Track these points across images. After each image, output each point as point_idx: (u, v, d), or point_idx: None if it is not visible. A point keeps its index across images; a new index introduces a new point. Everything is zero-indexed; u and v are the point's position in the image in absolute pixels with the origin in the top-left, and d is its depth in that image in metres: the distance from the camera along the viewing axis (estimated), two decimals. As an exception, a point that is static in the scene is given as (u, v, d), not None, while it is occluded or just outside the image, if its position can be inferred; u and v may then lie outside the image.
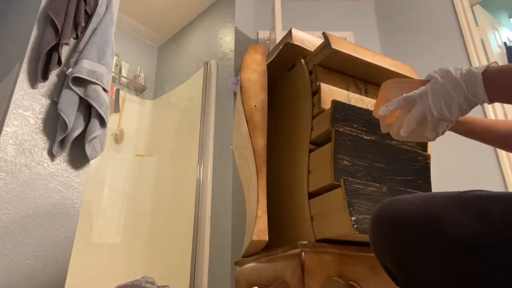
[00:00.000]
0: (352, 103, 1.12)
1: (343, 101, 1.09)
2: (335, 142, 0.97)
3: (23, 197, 1.24)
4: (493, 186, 1.98)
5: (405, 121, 0.66)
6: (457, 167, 2.13)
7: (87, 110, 1.38)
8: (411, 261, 0.51)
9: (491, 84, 0.57)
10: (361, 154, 1.01)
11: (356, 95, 1.15)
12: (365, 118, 1.05)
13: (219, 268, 2.01)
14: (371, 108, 1.13)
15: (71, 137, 1.32)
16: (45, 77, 1.35)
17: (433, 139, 0.68)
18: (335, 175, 0.94)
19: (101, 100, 1.36)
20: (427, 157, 1.12)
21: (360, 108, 1.06)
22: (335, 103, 1.02)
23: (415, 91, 0.65)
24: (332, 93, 1.09)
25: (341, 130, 0.99)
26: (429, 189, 1.09)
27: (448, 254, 0.46)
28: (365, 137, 1.03)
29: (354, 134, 1.02)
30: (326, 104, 1.06)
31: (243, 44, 2.58)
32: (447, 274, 0.46)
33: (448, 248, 0.46)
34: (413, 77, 1.25)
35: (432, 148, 1.20)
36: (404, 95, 0.66)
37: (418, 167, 1.09)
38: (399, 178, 1.04)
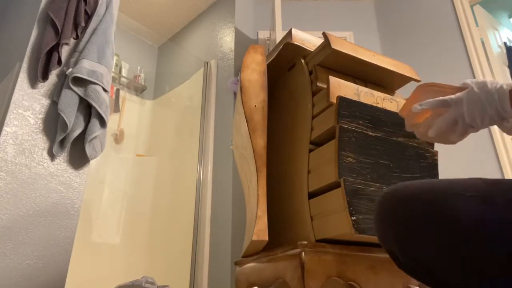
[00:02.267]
0: (362, 97, 1.10)
1: (353, 94, 1.08)
2: (339, 139, 0.96)
3: (23, 197, 1.23)
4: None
5: (436, 123, 0.70)
6: (457, 167, 2.13)
7: (87, 110, 1.38)
8: (413, 236, 0.52)
9: None
10: (366, 151, 1.00)
11: (366, 89, 1.13)
12: (371, 114, 1.04)
13: (219, 268, 2.01)
14: (381, 102, 1.12)
15: (71, 137, 1.32)
16: (45, 77, 1.35)
17: (455, 143, 0.72)
18: (339, 172, 0.93)
19: (101, 100, 1.36)
20: (435, 154, 1.11)
21: (366, 104, 1.05)
22: (341, 99, 1.01)
23: (451, 96, 0.68)
24: (341, 87, 1.08)
25: (345, 126, 0.99)
26: None
27: (449, 235, 0.47)
28: (370, 133, 1.02)
29: (359, 130, 1.01)
30: (335, 98, 1.04)
31: (243, 44, 2.58)
32: (447, 253, 0.47)
33: (449, 228, 0.47)
34: (413, 76, 1.25)
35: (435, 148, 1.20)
36: (440, 97, 0.69)
37: (426, 164, 1.08)
38: (406, 175, 1.04)
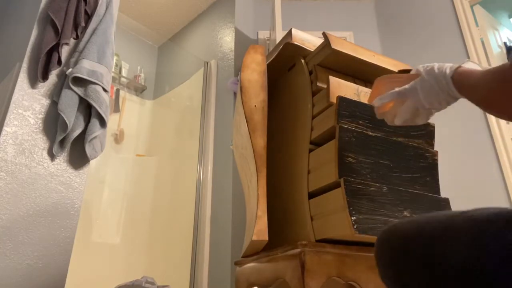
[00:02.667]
0: (362, 97, 1.10)
1: (353, 94, 1.08)
2: (339, 139, 0.96)
3: (23, 197, 1.23)
4: (494, 185, 1.98)
5: (399, 113, 0.75)
6: (458, 167, 2.13)
7: (87, 110, 1.38)
8: (405, 279, 0.52)
9: (458, 87, 0.64)
10: (366, 151, 1.00)
11: (366, 89, 1.13)
12: (371, 114, 1.04)
13: (219, 268, 2.01)
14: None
15: (71, 137, 1.32)
16: (45, 77, 1.35)
17: (424, 123, 0.77)
18: (339, 172, 0.93)
19: (101, 100, 1.36)
20: (435, 154, 1.11)
21: (366, 104, 1.05)
22: (341, 99, 1.01)
23: (406, 86, 0.73)
24: (341, 87, 1.08)
25: (345, 126, 0.99)
26: (437, 186, 1.08)
27: (443, 282, 0.45)
28: (370, 133, 1.02)
29: (359, 130, 1.01)
30: (335, 98, 1.05)
31: (243, 44, 2.58)
32: None
33: (443, 275, 0.45)
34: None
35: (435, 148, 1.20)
36: (397, 89, 0.74)
37: (426, 164, 1.08)
38: (406, 175, 1.03)
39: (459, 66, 0.65)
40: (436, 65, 0.69)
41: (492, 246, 0.42)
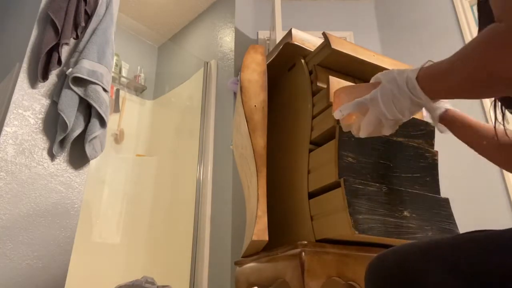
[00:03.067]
0: None
1: None
2: (339, 139, 0.96)
3: (23, 197, 1.23)
4: (494, 185, 1.98)
5: (362, 125, 0.70)
6: (458, 167, 2.13)
7: (87, 110, 1.38)
8: None
9: (426, 86, 0.59)
10: (366, 151, 1.00)
11: None
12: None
13: (219, 268, 2.01)
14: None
15: (71, 137, 1.32)
16: (45, 77, 1.35)
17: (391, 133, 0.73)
18: (339, 172, 0.93)
19: (101, 100, 1.36)
20: (435, 154, 1.11)
21: None
22: None
23: (366, 96, 0.68)
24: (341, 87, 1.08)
25: (345, 126, 0.99)
26: (437, 186, 1.08)
27: None
28: (371, 133, 1.02)
29: (359, 130, 1.01)
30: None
31: (243, 44, 2.58)
32: None
33: None
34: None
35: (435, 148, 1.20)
36: (356, 100, 0.69)
37: (426, 164, 1.08)
38: (406, 175, 1.03)
39: (421, 67, 0.61)
40: (395, 71, 0.65)
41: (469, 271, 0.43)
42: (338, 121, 0.99)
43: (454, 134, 0.84)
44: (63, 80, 1.38)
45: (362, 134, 0.71)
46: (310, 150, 1.07)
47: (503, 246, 0.43)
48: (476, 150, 0.81)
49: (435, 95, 0.60)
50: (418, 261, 0.50)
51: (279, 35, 2.10)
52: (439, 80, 0.58)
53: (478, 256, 0.44)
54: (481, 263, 0.43)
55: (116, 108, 2.87)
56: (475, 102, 2.14)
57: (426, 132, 1.13)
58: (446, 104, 0.84)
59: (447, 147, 2.17)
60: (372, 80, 0.72)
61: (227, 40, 2.62)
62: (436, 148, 1.14)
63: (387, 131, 0.69)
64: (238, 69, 2.42)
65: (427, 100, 0.60)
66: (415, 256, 0.51)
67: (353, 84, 0.73)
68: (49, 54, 1.35)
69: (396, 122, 0.67)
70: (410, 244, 0.55)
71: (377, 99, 0.65)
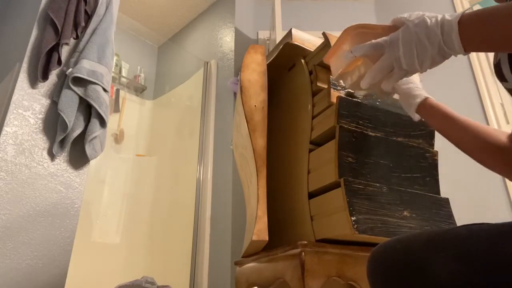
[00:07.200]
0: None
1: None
2: (339, 139, 0.96)
3: (23, 197, 1.23)
4: (493, 185, 1.98)
5: (370, 72, 0.60)
6: (458, 167, 2.13)
7: (87, 110, 1.38)
8: None
9: (466, 32, 0.51)
10: (366, 151, 1.00)
11: None
12: (371, 114, 1.04)
13: (219, 268, 2.01)
14: (381, 98, 1.11)
15: (71, 137, 1.32)
16: (45, 77, 1.35)
17: (388, 91, 0.64)
18: (339, 172, 0.93)
19: (101, 100, 1.36)
20: (435, 154, 1.11)
21: (366, 104, 1.05)
22: (341, 99, 1.01)
23: (385, 38, 0.58)
24: None
25: (345, 126, 0.99)
26: (437, 186, 1.08)
27: None
28: (370, 133, 1.02)
29: (359, 130, 1.01)
30: (335, 98, 1.03)
31: (243, 44, 2.58)
32: None
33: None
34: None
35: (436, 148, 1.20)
36: (373, 41, 0.59)
37: (426, 164, 1.08)
38: (406, 175, 1.03)
39: (463, 12, 0.52)
40: (426, 14, 0.56)
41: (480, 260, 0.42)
42: (338, 121, 0.99)
43: (431, 124, 0.78)
44: (63, 80, 1.38)
45: (365, 84, 0.62)
46: (310, 150, 1.07)
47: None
48: (452, 141, 0.75)
49: (471, 45, 0.52)
50: (423, 249, 0.49)
51: (279, 35, 2.10)
52: (488, 25, 0.49)
53: (485, 244, 0.43)
54: (488, 250, 0.43)
55: (116, 108, 2.87)
56: (475, 102, 2.14)
57: (426, 132, 1.13)
58: (425, 93, 0.78)
59: (447, 147, 2.17)
60: (391, 23, 0.62)
61: (227, 40, 2.62)
62: (436, 148, 1.14)
63: (388, 86, 0.61)
64: (238, 69, 2.42)
65: (460, 50, 0.52)
66: (420, 244, 0.50)
67: (366, 23, 0.64)
68: (49, 54, 1.35)
69: (405, 74, 0.59)
70: (414, 233, 0.54)
71: (397, 42, 0.56)
